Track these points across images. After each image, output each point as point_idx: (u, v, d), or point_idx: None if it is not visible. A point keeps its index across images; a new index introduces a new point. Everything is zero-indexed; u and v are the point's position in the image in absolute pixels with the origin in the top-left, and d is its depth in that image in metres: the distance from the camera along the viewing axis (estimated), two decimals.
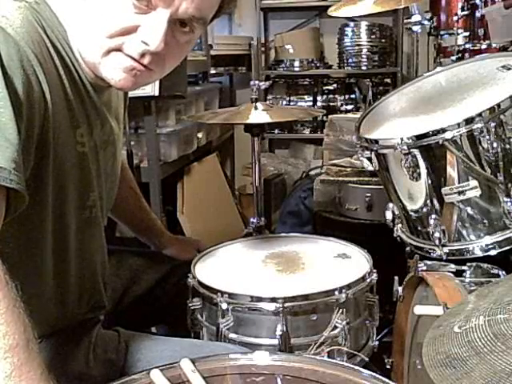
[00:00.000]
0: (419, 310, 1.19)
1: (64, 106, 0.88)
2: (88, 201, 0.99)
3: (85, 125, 0.94)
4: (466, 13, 2.17)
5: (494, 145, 1.17)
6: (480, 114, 1.16)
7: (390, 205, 1.40)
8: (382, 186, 1.44)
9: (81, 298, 1.06)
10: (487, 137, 1.17)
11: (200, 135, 2.78)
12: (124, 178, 1.35)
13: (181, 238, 1.61)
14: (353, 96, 3.83)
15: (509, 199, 1.20)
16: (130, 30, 0.84)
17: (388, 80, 3.81)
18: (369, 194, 2.16)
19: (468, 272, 1.25)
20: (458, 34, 2.26)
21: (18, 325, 0.69)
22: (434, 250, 1.28)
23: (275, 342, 1.14)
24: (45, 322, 0.99)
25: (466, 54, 2.14)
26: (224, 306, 1.16)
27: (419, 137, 1.20)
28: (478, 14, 2.06)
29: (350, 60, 3.75)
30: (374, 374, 0.78)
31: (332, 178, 2.30)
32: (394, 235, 1.41)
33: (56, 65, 0.86)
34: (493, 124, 1.17)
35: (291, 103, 3.86)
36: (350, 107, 3.80)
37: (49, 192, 0.89)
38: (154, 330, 1.52)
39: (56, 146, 0.87)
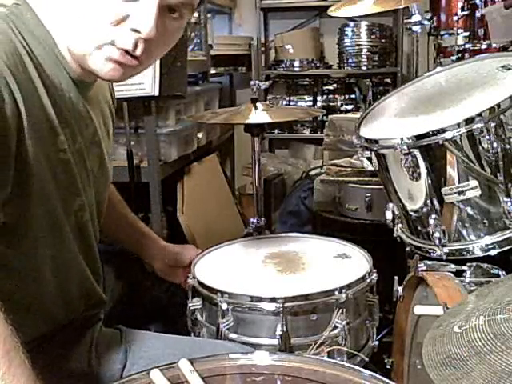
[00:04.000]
0: (419, 309, 1.19)
1: (41, 115, 0.86)
2: (74, 206, 0.98)
3: (67, 130, 0.92)
4: (466, 13, 2.17)
5: (494, 145, 1.17)
6: (480, 114, 1.16)
7: (390, 205, 1.40)
8: (382, 186, 1.44)
9: (81, 296, 1.06)
10: (487, 137, 1.17)
11: (200, 135, 2.77)
12: (115, 207, 1.32)
13: (173, 257, 1.40)
14: (353, 96, 3.83)
15: (509, 199, 1.20)
16: (119, 20, 0.83)
17: (388, 80, 3.81)
18: (369, 194, 2.17)
19: (468, 272, 1.25)
20: (458, 34, 2.25)
21: None
22: (434, 249, 1.28)
23: (275, 342, 1.14)
24: (50, 320, 1.00)
25: (466, 54, 2.14)
26: (224, 305, 1.16)
27: (419, 137, 1.20)
28: (478, 14, 2.06)
29: (350, 60, 3.75)
30: (374, 374, 0.78)
31: (332, 178, 2.30)
32: (394, 235, 1.41)
33: (31, 75, 0.84)
34: (493, 124, 1.17)
35: (291, 103, 3.86)
36: (350, 107, 3.80)
37: (35, 200, 0.88)
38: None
39: (37, 156, 0.85)
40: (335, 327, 1.16)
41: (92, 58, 0.87)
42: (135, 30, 0.83)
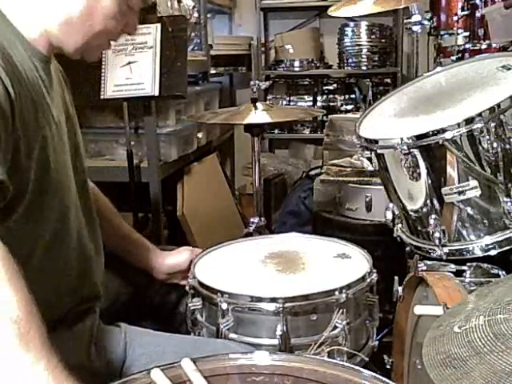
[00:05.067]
0: (419, 309, 1.19)
1: (26, 98, 0.91)
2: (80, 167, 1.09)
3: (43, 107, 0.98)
4: (466, 13, 2.18)
5: (494, 145, 1.17)
6: (480, 114, 1.16)
7: (390, 205, 1.40)
8: (382, 186, 1.44)
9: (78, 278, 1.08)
10: (487, 137, 1.17)
11: (200, 135, 2.77)
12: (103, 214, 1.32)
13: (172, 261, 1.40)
14: (353, 96, 3.84)
15: (509, 199, 1.20)
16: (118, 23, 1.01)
17: (388, 80, 3.81)
18: (369, 194, 2.16)
19: (468, 272, 1.25)
20: (458, 34, 2.26)
21: (19, 296, 0.73)
22: (434, 249, 1.28)
23: (275, 341, 1.14)
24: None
25: (466, 54, 2.14)
26: (224, 306, 1.16)
27: (419, 137, 1.20)
28: (478, 14, 2.07)
29: (350, 60, 3.75)
30: (374, 374, 0.78)
31: (332, 178, 2.30)
32: (394, 235, 1.41)
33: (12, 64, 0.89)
34: (493, 124, 1.17)
35: (291, 103, 3.86)
36: (350, 107, 3.80)
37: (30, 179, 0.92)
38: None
39: (28, 135, 0.90)
40: (335, 327, 1.16)
41: (85, 52, 1.01)
42: (127, 33, 1.05)
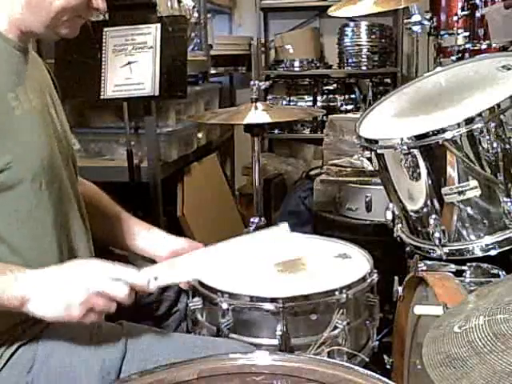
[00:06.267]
0: (419, 309, 1.19)
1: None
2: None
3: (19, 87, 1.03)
4: (465, 13, 2.17)
5: (494, 145, 1.17)
6: (480, 114, 1.16)
7: (390, 205, 1.40)
8: (381, 186, 1.44)
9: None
10: (487, 137, 1.17)
11: (200, 135, 2.77)
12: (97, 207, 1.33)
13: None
14: (353, 96, 3.83)
15: (509, 199, 1.20)
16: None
17: (388, 80, 3.81)
18: (369, 194, 2.16)
19: (468, 272, 1.25)
20: (458, 34, 2.25)
21: None
22: (434, 249, 1.28)
23: (275, 342, 1.14)
24: None
25: (466, 54, 2.14)
26: (224, 305, 1.16)
27: (419, 137, 1.20)
28: (478, 14, 2.06)
29: (350, 60, 3.75)
30: (374, 374, 0.78)
31: (332, 178, 2.30)
32: (394, 235, 1.41)
33: None
34: (493, 124, 1.17)
35: (291, 103, 3.86)
36: (350, 107, 3.80)
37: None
38: None
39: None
40: (335, 327, 1.16)
41: (60, 29, 1.04)
42: (96, 9, 1.05)
